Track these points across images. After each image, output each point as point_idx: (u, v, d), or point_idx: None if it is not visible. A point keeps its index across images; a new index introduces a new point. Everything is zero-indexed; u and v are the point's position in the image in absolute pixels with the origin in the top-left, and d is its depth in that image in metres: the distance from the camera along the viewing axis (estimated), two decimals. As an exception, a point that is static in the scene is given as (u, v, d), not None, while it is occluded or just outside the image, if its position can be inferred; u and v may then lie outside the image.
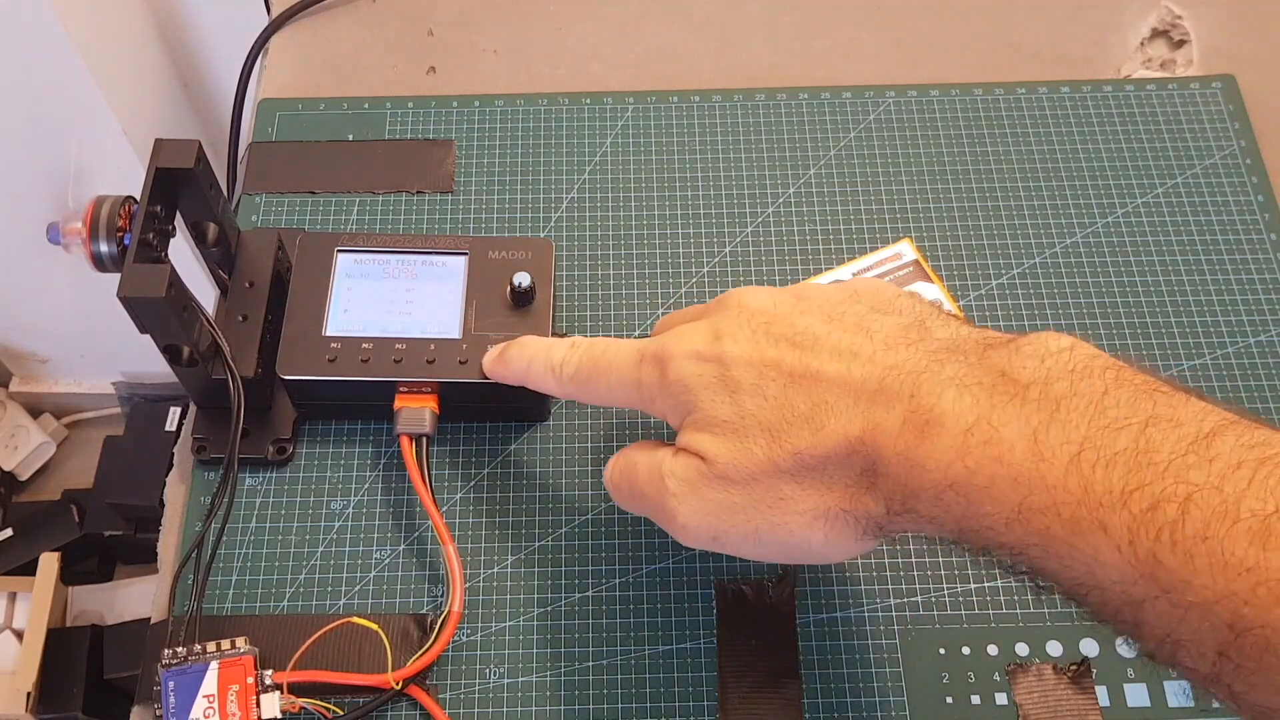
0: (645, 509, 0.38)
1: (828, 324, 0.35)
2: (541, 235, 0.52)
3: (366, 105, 0.56)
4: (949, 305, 0.45)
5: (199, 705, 0.38)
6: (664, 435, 0.47)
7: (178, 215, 0.43)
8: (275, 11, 0.60)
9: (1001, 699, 0.41)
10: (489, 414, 0.47)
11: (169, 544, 0.45)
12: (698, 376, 0.35)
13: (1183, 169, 0.54)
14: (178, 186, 0.42)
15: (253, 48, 0.59)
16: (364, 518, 0.45)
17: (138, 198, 0.41)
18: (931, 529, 0.31)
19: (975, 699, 0.41)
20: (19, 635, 0.94)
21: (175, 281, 0.39)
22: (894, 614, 0.43)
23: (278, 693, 0.39)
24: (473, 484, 0.46)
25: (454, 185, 0.53)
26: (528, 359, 0.41)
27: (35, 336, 1.07)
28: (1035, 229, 0.52)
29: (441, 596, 0.43)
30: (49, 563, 0.96)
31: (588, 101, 0.56)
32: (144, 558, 1.06)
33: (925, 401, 0.31)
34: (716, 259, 0.51)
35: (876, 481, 0.32)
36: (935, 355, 0.32)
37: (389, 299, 0.45)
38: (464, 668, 0.42)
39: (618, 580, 0.44)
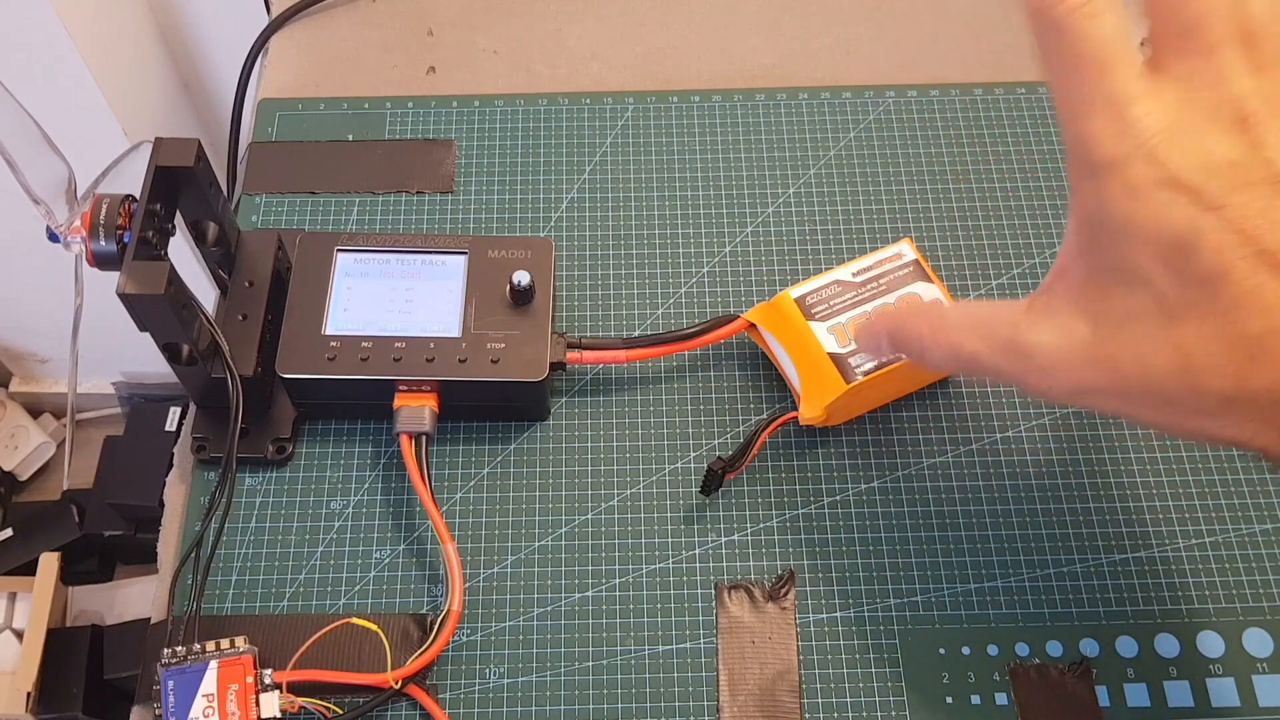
0: (968, 373, 0.35)
1: None
2: (541, 235, 0.52)
3: (366, 105, 0.56)
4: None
5: (198, 704, 0.38)
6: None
7: (178, 215, 0.43)
8: (275, 11, 0.60)
9: (1001, 699, 0.41)
10: (489, 413, 0.47)
11: (169, 544, 0.45)
12: (1154, 220, 0.29)
13: (1183, 169, 0.54)
14: (178, 185, 0.42)
15: (253, 48, 0.59)
16: (364, 517, 0.45)
17: (137, 196, 0.41)
18: None
19: (975, 699, 0.41)
20: (19, 635, 0.94)
21: (174, 279, 0.39)
22: (894, 614, 0.43)
23: (277, 692, 0.39)
24: (473, 484, 0.46)
25: (454, 185, 0.53)
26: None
27: (35, 336, 1.07)
28: (1035, 229, 0.52)
29: (441, 596, 0.43)
30: (49, 563, 0.96)
31: (588, 101, 0.56)
32: (144, 558, 1.06)
33: None
34: (716, 259, 0.51)
35: None
36: None
37: (389, 298, 0.45)
38: (464, 667, 0.42)
39: (618, 580, 0.44)
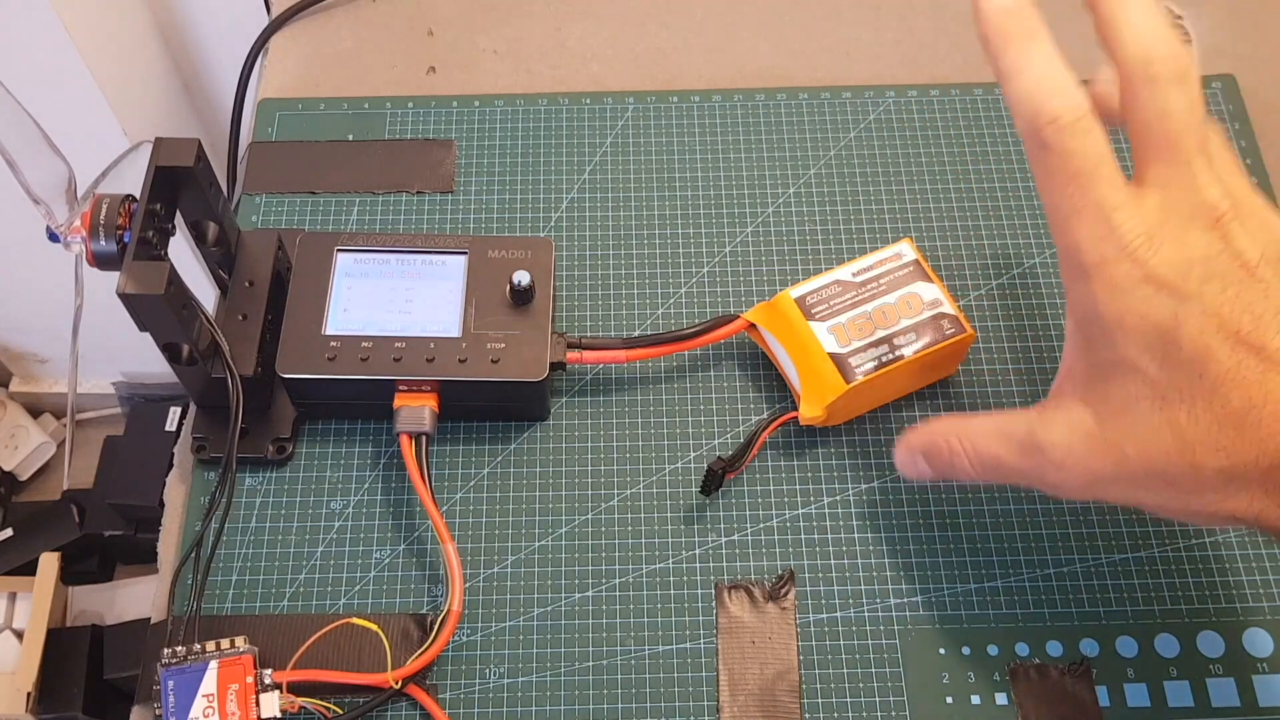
0: (995, 478, 0.37)
1: None
2: (541, 235, 0.52)
3: (366, 105, 0.56)
4: (949, 305, 0.45)
5: (198, 704, 0.38)
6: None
7: (178, 215, 0.43)
8: (275, 11, 0.60)
9: (1001, 699, 0.41)
10: (489, 413, 0.47)
11: (169, 544, 0.45)
12: (1139, 314, 0.32)
13: (1183, 169, 0.54)
14: (178, 185, 0.42)
15: (253, 48, 0.59)
16: (364, 517, 0.45)
17: (137, 196, 0.41)
18: None
19: (975, 699, 0.41)
20: (19, 635, 0.94)
21: (174, 279, 0.39)
22: (894, 614, 0.43)
23: (277, 692, 0.39)
24: (473, 484, 0.46)
25: (454, 185, 0.53)
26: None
27: (35, 336, 1.07)
28: (1035, 229, 0.52)
29: (441, 596, 0.43)
30: (49, 563, 0.96)
31: (588, 101, 0.56)
32: (144, 558, 1.06)
33: None
34: (716, 259, 0.51)
35: None
36: None
37: (389, 298, 0.45)
38: (464, 667, 0.42)
39: (618, 580, 0.44)
